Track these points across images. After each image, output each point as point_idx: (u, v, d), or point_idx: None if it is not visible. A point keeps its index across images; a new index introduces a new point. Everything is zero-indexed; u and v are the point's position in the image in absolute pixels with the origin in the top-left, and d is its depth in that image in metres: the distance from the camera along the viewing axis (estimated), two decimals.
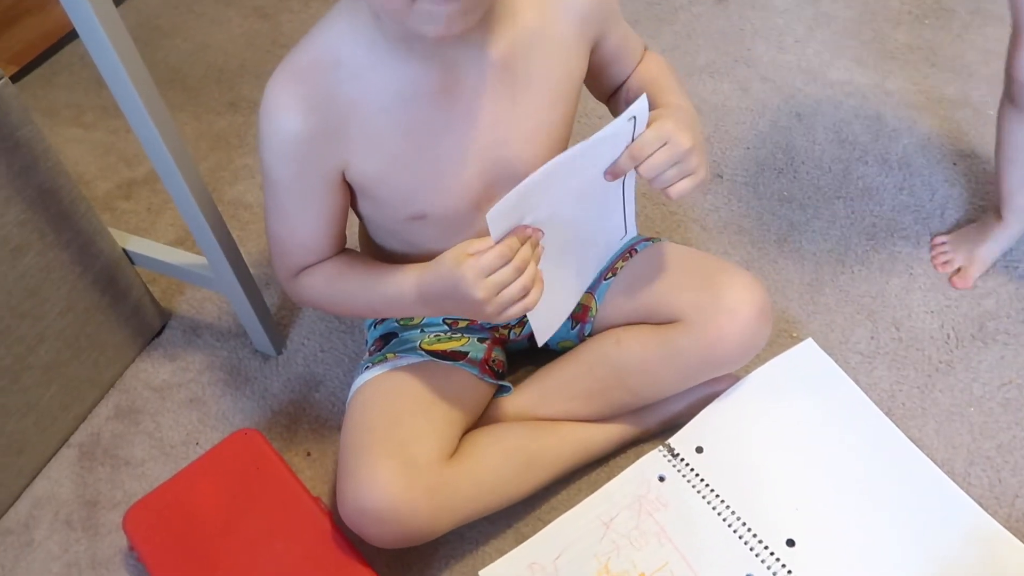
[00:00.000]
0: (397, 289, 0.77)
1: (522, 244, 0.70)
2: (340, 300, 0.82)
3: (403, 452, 0.79)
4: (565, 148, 0.82)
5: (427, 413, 0.83)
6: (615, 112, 0.88)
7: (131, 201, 1.33)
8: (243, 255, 1.00)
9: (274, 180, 0.76)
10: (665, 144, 0.71)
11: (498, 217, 0.67)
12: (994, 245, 1.04)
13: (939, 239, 1.09)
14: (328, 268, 0.81)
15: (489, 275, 0.69)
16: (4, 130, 0.86)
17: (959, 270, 1.06)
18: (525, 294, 0.71)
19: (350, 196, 0.79)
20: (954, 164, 1.21)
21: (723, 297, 0.83)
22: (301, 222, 0.78)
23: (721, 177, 1.24)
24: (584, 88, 0.85)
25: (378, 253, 0.88)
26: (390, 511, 0.76)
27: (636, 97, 0.71)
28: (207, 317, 1.15)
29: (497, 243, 0.69)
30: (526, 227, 0.71)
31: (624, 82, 0.87)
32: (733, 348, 0.84)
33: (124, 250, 1.05)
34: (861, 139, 1.26)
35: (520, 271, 0.70)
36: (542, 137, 0.77)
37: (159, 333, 1.13)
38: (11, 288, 0.91)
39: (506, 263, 0.69)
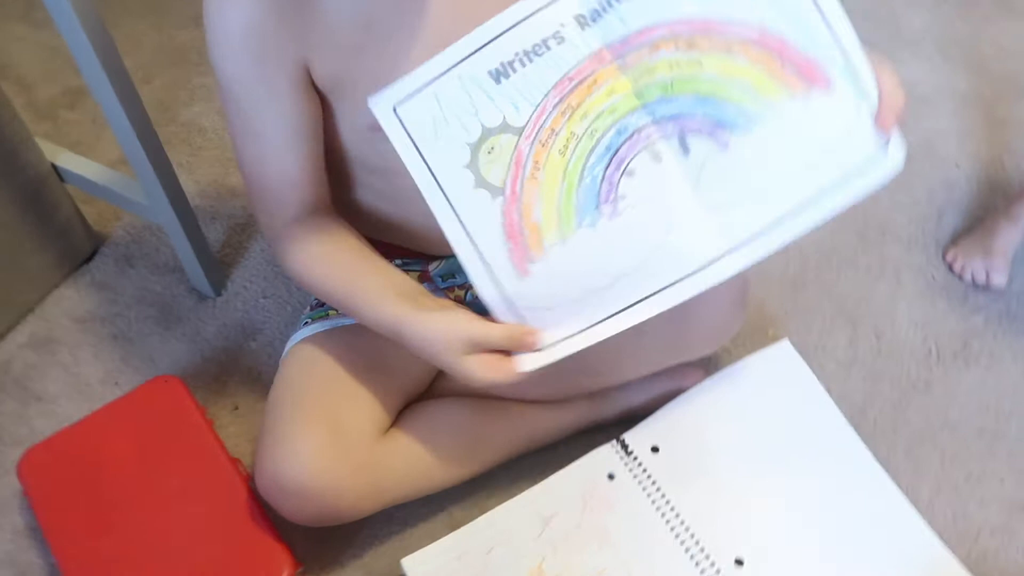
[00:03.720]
0: (377, 317, 0.69)
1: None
2: (322, 293, 0.73)
3: (333, 421, 0.72)
4: None
5: (365, 380, 0.76)
6: None
7: (76, 111, 1.22)
8: (191, 183, 0.92)
9: (233, 91, 0.66)
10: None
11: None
12: (1008, 238, 0.98)
13: (952, 253, 1.02)
14: (317, 249, 0.71)
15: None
16: None
17: (988, 274, 0.99)
18: None
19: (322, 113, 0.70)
20: (957, 166, 1.14)
21: None
22: (271, 142, 0.68)
23: None
24: None
25: (348, 205, 0.79)
26: (312, 486, 0.70)
27: None
28: (144, 247, 1.06)
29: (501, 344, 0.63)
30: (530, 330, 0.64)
31: None
32: (703, 332, 0.77)
33: (53, 165, 0.95)
34: None
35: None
36: None
37: (89, 259, 1.04)
38: None
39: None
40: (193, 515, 0.76)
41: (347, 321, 0.79)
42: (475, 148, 0.62)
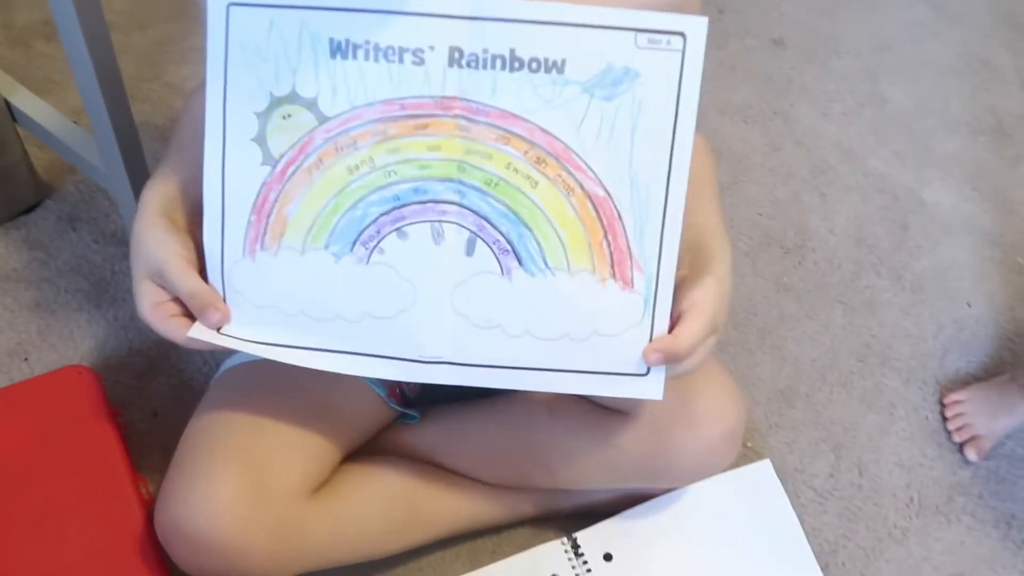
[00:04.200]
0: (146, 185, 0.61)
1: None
2: None
3: (258, 470, 0.62)
4: None
5: (303, 426, 0.66)
6: None
7: (52, 44, 1.11)
8: (162, 151, 0.82)
9: None
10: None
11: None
12: (1015, 420, 0.92)
13: (953, 399, 0.95)
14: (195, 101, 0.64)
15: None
16: None
17: (974, 439, 0.93)
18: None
19: None
20: (969, 305, 1.08)
21: (690, 402, 0.68)
22: None
23: None
24: None
25: None
26: (219, 539, 0.60)
27: None
28: (93, 210, 0.95)
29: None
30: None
31: None
32: (683, 466, 0.69)
33: (6, 101, 0.85)
34: (881, 244, 1.12)
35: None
36: None
37: (29, 211, 0.93)
38: None
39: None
40: (74, 536, 0.66)
41: None
42: (274, 103, 0.54)
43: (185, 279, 0.55)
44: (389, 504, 0.69)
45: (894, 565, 0.85)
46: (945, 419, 0.96)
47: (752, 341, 0.99)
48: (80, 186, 0.97)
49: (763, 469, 0.84)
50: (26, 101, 0.85)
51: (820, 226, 1.13)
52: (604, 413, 0.72)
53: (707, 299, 0.57)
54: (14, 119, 0.86)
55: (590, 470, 0.72)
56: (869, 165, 1.22)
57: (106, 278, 0.90)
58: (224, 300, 0.57)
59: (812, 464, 0.90)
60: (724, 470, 0.73)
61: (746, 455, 0.88)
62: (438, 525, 0.73)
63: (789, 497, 0.85)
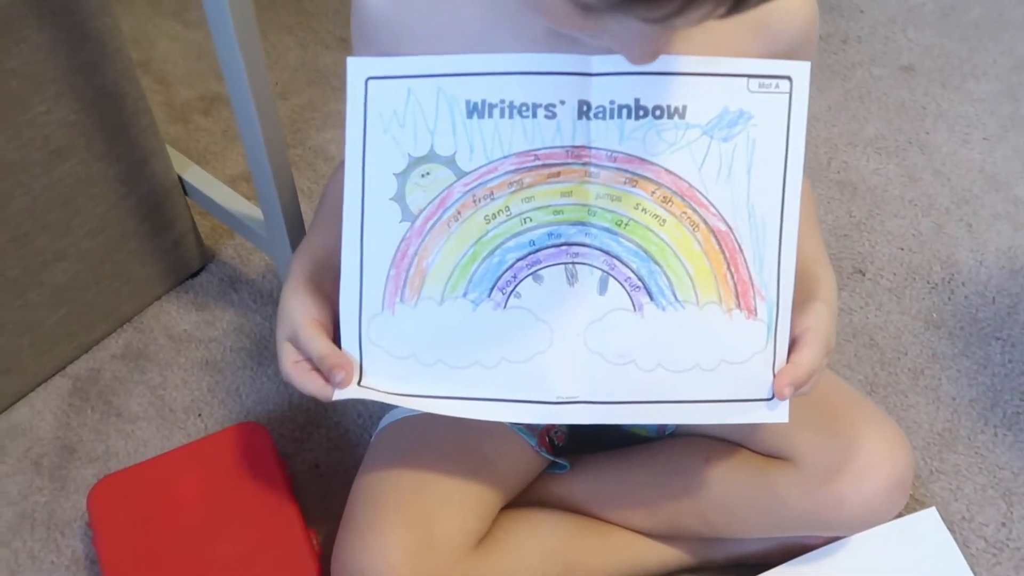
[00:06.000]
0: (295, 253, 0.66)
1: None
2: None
3: (425, 527, 0.64)
4: None
5: (464, 480, 0.68)
6: None
7: (209, 118, 1.20)
8: (309, 211, 0.87)
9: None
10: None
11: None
12: None
13: None
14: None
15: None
16: (77, 16, 0.73)
17: None
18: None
19: None
20: None
21: (856, 451, 0.66)
22: None
23: (863, 274, 1.06)
24: None
25: None
26: None
27: None
28: (251, 272, 1.02)
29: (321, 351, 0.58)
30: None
31: None
32: (850, 517, 0.67)
33: (179, 177, 0.92)
34: None
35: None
36: None
37: (195, 275, 1.01)
38: (39, 194, 0.78)
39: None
40: None
41: None
42: (413, 163, 0.57)
43: (313, 342, 0.58)
44: (547, 556, 0.70)
45: None
46: None
47: (904, 382, 0.95)
48: (238, 250, 1.04)
49: (930, 518, 0.80)
50: (196, 176, 0.92)
51: (969, 258, 1.08)
52: (762, 461, 0.71)
53: (819, 323, 0.58)
54: (185, 192, 0.93)
55: (749, 519, 0.71)
56: (1017, 192, 1.16)
57: (265, 336, 0.96)
58: (361, 355, 0.59)
59: (981, 512, 0.86)
60: (889, 520, 0.70)
61: (907, 503, 0.84)
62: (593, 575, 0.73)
63: (958, 546, 0.81)
